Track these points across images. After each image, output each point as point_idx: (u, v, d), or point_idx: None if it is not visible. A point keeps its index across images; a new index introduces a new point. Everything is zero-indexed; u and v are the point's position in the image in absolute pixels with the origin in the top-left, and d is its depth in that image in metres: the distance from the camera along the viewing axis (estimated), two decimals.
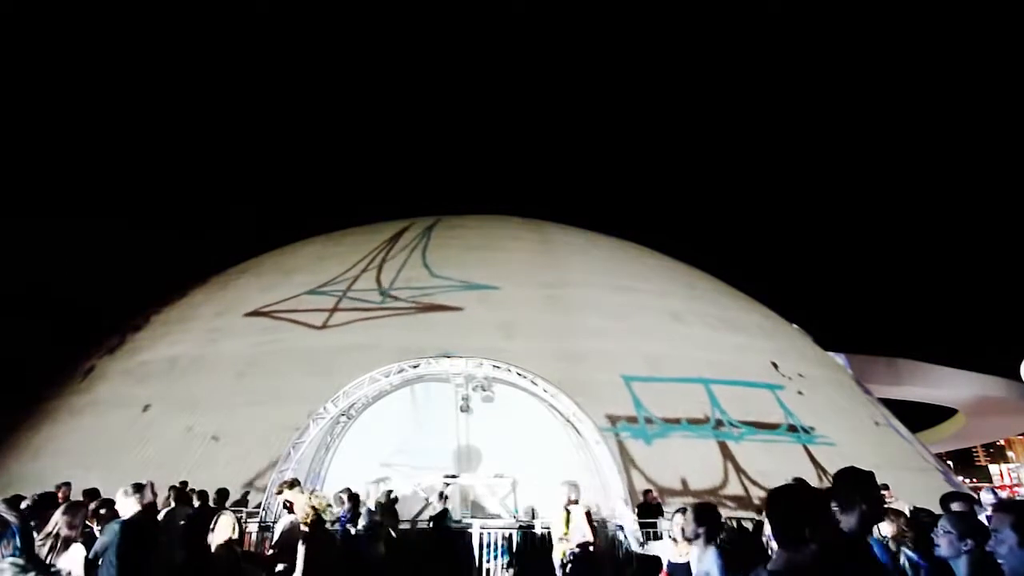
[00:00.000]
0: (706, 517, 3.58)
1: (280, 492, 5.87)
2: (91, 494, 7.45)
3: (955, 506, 4.77)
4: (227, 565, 4.36)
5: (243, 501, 10.75)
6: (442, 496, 9.48)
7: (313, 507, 4.46)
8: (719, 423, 13.90)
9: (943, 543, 2.62)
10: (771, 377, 16.06)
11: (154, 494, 4.41)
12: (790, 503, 1.99)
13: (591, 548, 6.06)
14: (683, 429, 13.55)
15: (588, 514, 6.30)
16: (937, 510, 5.67)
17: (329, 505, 7.83)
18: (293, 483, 6.11)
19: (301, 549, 4.22)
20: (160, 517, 7.19)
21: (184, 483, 8.66)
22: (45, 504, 6.77)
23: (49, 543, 3.83)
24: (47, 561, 3.54)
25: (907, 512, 5.34)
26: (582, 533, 6.16)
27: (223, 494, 8.70)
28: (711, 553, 3.44)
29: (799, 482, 3.05)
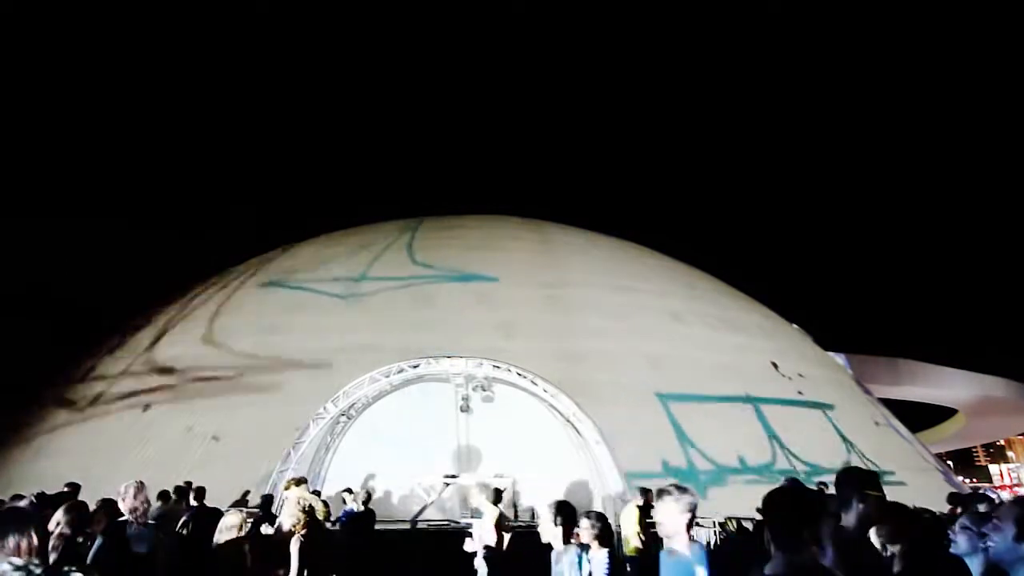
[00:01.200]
0: (563, 513, 3.68)
1: (287, 488, 5.84)
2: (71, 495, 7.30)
3: (982, 508, 4.80)
4: (232, 566, 4.30)
5: (243, 501, 10.75)
6: (368, 500, 8.31)
7: (307, 507, 4.38)
8: (783, 466, 12.48)
9: (961, 539, 2.61)
10: (819, 394, 15.68)
11: (123, 493, 4.39)
12: (788, 505, 1.99)
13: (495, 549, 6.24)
14: (743, 473, 12.03)
15: (500, 517, 6.52)
16: (938, 511, 5.63)
17: (325, 503, 7.73)
18: (300, 481, 6.04)
19: (294, 550, 4.15)
20: (155, 517, 7.17)
21: (188, 483, 8.65)
22: (44, 504, 6.76)
23: (51, 543, 3.83)
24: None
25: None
26: (489, 537, 6.35)
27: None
28: (572, 551, 3.54)
29: (793, 483, 3.03)
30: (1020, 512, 2.06)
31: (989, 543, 2.21)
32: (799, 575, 1.83)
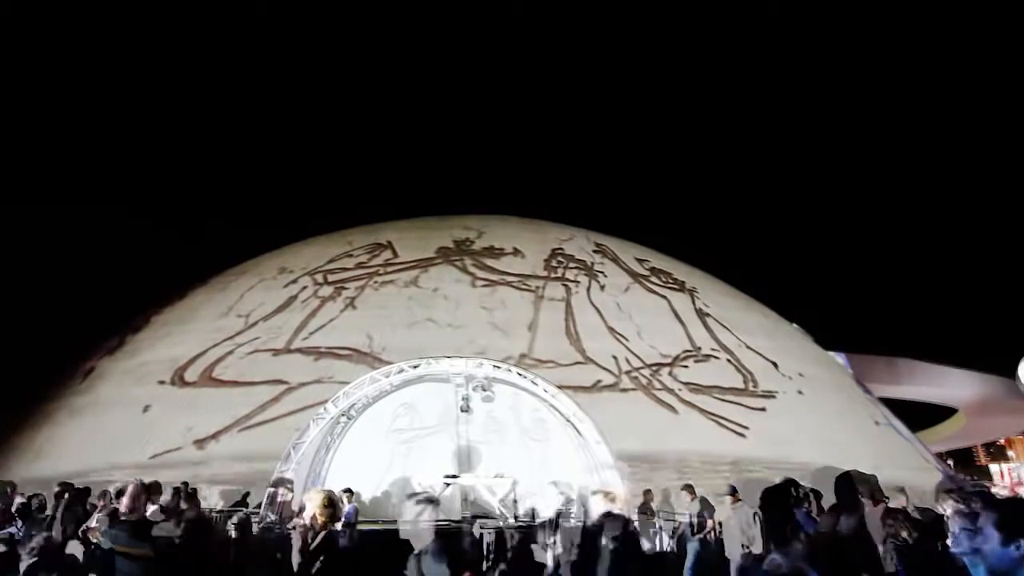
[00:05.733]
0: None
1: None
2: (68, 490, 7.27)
3: (973, 505, 4.72)
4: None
5: (243, 502, 10.75)
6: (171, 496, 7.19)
7: (324, 507, 4.31)
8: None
9: (963, 538, 2.46)
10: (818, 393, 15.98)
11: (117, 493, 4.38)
12: (776, 503, 2.00)
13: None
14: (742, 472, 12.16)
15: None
16: (937, 510, 5.60)
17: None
18: (150, 486, 5.45)
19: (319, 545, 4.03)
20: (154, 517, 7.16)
21: (185, 483, 8.67)
22: (43, 503, 6.78)
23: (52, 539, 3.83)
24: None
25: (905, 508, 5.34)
26: None
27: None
28: None
29: (789, 481, 3.02)
30: (998, 516, 2.03)
31: (983, 548, 2.16)
32: (790, 571, 1.83)
